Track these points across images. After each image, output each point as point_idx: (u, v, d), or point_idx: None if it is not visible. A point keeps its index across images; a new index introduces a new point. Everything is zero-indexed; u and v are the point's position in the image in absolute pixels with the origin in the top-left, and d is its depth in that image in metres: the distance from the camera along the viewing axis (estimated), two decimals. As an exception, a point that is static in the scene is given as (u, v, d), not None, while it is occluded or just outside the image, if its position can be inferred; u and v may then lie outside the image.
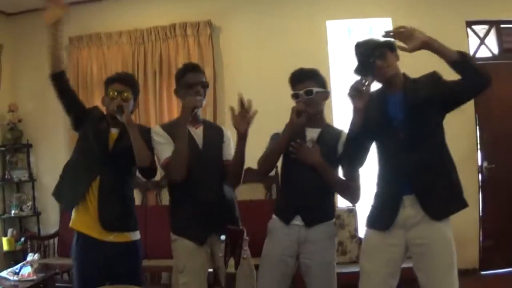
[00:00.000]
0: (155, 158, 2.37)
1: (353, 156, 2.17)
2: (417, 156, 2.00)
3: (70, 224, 2.38)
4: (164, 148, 2.29)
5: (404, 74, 2.12)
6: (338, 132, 2.30)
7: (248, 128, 2.17)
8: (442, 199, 1.99)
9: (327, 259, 2.23)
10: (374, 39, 2.12)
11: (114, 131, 2.41)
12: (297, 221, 2.23)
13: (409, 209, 2.01)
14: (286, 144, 2.22)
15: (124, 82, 2.42)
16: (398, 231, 2.03)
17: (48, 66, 2.34)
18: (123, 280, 2.23)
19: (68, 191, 2.40)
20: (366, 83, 2.01)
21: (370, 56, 2.05)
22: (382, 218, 2.08)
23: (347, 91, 2.06)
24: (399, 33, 1.94)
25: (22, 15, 4.90)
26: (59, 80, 2.36)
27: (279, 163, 2.34)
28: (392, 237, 2.04)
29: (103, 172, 2.34)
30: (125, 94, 2.37)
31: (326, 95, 2.32)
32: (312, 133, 2.28)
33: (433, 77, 2.06)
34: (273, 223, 2.31)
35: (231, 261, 1.72)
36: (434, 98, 1.99)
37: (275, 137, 2.34)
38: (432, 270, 1.97)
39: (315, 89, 2.23)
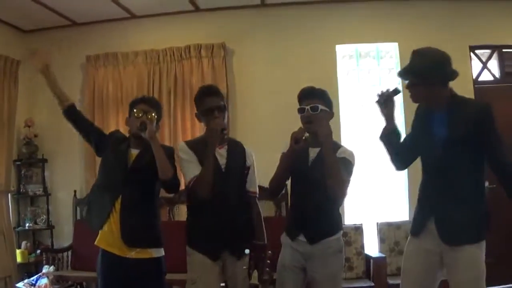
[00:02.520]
0: (182, 175, 2.44)
1: (393, 155, 2.28)
2: (447, 178, 2.08)
3: (95, 241, 2.45)
4: (191, 166, 2.34)
5: (451, 91, 2.12)
6: (335, 149, 2.30)
7: None
8: (461, 224, 2.05)
9: (331, 272, 2.30)
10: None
11: (134, 151, 2.48)
12: (301, 238, 2.32)
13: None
14: (287, 168, 2.34)
15: (150, 104, 2.51)
16: (435, 240, 2.09)
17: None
18: None
19: (96, 214, 2.47)
20: (394, 93, 2.14)
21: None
22: (415, 223, 2.21)
23: (376, 98, 2.19)
24: None
25: (38, 32, 5.00)
26: (72, 114, 2.48)
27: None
28: (427, 243, 2.12)
29: (125, 190, 2.40)
30: (150, 115, 2.45)
31: (330, 115, 2.36)
32: (314, 153, 2.34)
33: (482, 116, 2.05)
34: (283, 238, 2.43)
35: (255, 273, 1.86)
36: (471, 138, 2.04)
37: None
38: (458, 283, 2.05)
39: (321, 106, 2.29)
